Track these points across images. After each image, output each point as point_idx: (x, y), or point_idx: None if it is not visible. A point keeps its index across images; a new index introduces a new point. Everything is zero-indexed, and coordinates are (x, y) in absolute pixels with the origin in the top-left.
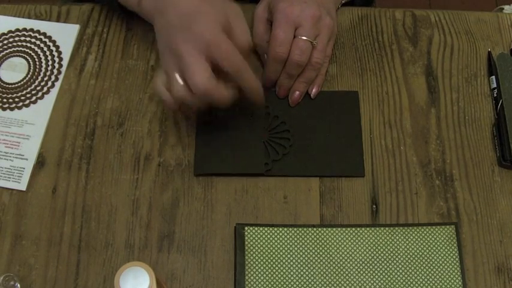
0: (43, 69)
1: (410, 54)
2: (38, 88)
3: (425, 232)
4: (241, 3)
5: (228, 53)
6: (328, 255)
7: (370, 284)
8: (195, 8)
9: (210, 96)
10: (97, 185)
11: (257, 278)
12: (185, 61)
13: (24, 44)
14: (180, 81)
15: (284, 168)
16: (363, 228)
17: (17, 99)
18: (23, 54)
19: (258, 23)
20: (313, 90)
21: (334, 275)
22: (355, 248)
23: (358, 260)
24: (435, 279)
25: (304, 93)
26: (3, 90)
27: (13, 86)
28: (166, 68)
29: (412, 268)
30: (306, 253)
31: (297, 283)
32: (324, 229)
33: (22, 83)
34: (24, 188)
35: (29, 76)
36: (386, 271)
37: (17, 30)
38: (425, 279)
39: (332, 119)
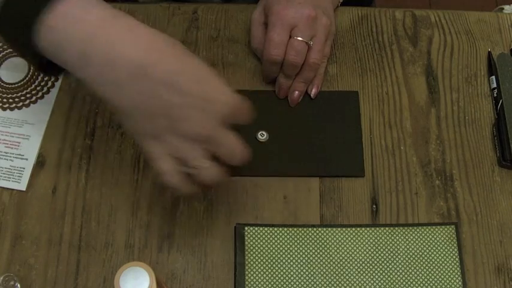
0: None
1: (410, 54)
2: (38, 88)
3: (425, 232)
4: (241, 3)
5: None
6: (328, 255)
7: (370, 284)
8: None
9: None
10: (97, 185)
11: (257, 278)
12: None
13: None
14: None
15: (284, 168)
16: (363, 228)
17: (17, 99)
18: None
19: (255, 27)
20: (313, 90)
21: (334, 275)
22: (355, 248)
23: (358, 260)
24: (435, 279)
25: (303, 93)
26: (3, 90)
27: (13, 86)
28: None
29: (412, 268)
30: (306, 253)
31: (297, 283)
32: (324, 229)
33: (22, 83)
34: (24, 188)
35: (29, 76)
36: (386, 271)
37: None
38: (425, 279)
39: (332, 119)
